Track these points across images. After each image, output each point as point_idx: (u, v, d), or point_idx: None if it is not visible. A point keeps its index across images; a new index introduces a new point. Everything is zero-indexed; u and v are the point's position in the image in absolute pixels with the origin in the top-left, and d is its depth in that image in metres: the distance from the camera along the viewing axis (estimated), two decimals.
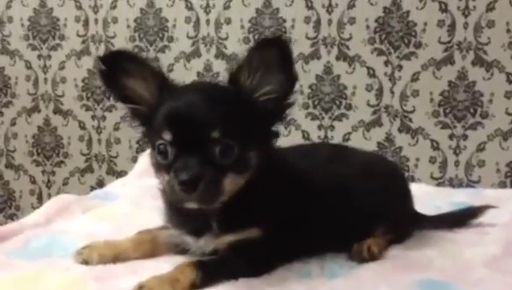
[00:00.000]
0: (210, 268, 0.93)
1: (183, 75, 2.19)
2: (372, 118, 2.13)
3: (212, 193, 0.89)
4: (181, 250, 1.05)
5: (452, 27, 2.03)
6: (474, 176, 2.09)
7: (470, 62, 2.03)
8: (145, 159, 1.77)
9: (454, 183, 2.10)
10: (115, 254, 1.03)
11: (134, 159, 2.33)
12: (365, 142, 2.11)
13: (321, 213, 1.04)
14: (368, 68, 2.12)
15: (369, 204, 1.08)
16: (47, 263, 1.01)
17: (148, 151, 1.74)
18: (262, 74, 0.92)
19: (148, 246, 1.06)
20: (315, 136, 2.19)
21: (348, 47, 2.13)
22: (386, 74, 2.10)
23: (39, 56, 2.44)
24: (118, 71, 0.95)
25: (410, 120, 2.10)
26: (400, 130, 2.11)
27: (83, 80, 2.40)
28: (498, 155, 2.05)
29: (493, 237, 1.19)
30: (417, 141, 2.10)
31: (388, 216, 1.12)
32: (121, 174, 2.37)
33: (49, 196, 2.53)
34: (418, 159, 2.12)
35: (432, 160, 2.11)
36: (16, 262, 1.01)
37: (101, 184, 2.43)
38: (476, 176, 2.09)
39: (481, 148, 2.07)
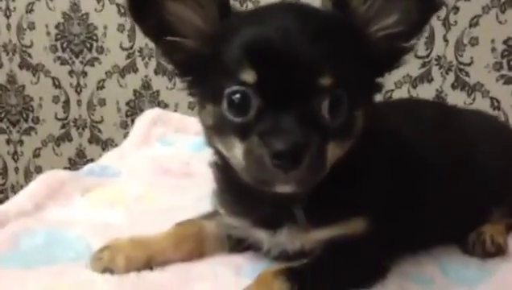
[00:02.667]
0: (307, 278, 0.74)
1: None
2: (420, 71, 1.96)
3: (316, 171, 0.67)
4: (239, 245, 0.86)
5: None
6: None
7: None
8: (142, 123, 1.62)
9: None
10: (149, 257, 0.82)
11: (123, 125, 2.19)
12: None
13: (436, 193, 0.87)
14: None
15: (488, 180, 0.95)
16: (55, 274, 0.78)
17: (152, 112, 1.60)
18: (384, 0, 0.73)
19: (193, 244, 0.86)
20: None
21: None
22: (438, 18, 1.90)
23: None
24: None
25: (467, 74, 1.93)
26: (454, 87, 1.94)
27: (57, 27, 2.18)
28: None
29: None
30: (474, 99, 1.94)
31: (508, 194, 0.99)
32: (106, 143, 2.24)
33: (16, 170, 2.38)
34: None
35: None
36: (10, 273, 0.77)
37: (81, 155, 2.28)
38: None
39: None
